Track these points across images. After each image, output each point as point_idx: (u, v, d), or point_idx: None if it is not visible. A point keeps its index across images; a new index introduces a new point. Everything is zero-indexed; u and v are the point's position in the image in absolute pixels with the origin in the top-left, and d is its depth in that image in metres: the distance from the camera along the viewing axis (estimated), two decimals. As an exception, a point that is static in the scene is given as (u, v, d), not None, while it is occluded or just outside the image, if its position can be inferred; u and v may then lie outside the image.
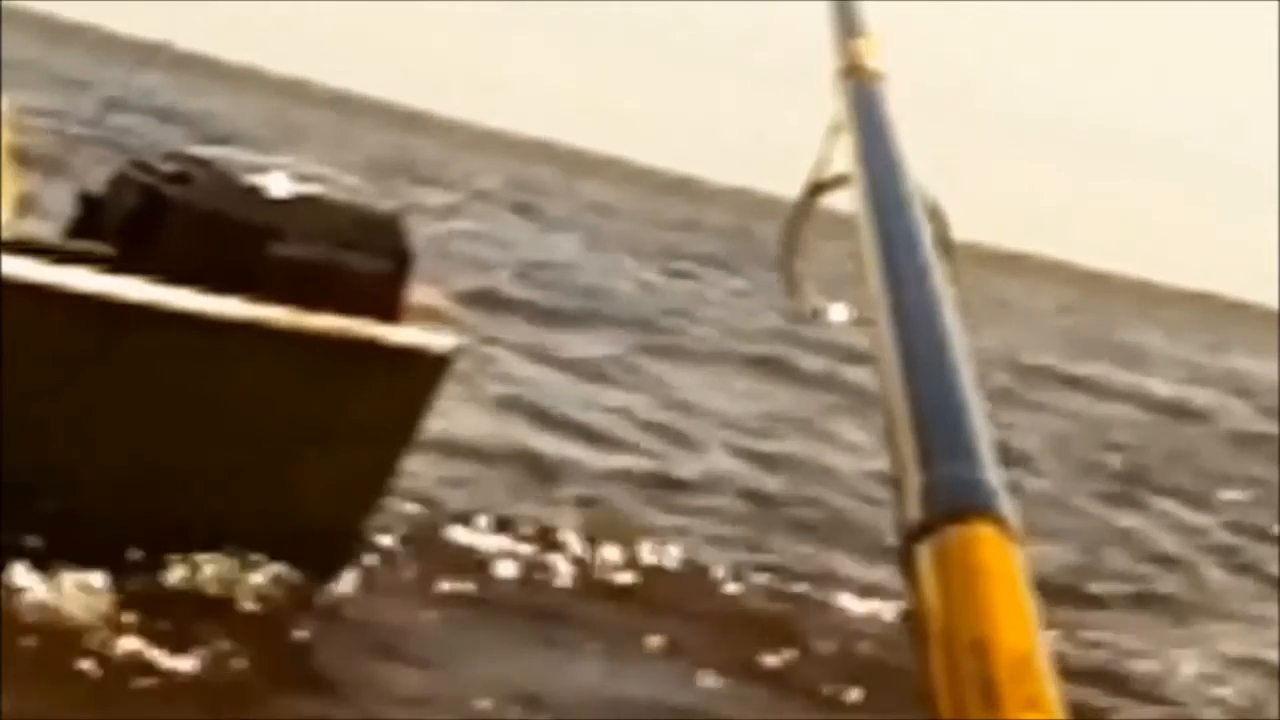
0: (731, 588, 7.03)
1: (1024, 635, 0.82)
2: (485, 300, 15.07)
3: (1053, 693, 0.80)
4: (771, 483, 9.90)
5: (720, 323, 18.83)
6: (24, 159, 6.27)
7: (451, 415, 8.79)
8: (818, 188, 1.56)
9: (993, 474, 0.92)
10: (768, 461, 10.51)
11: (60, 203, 6.18)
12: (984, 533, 0.87)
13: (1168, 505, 12.40)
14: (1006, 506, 0.90)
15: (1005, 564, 0.86)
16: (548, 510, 7.55)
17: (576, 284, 19.79)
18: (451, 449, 8.25)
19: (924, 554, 0.87)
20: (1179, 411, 20.64)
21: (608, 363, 13.69)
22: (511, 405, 10.39)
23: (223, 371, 5.41)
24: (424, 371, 5.73)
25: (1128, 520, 11.39)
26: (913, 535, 0.89)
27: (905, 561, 0.88)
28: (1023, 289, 56.02)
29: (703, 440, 10.82)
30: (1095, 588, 8.86)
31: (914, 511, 0.90)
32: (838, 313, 1.52)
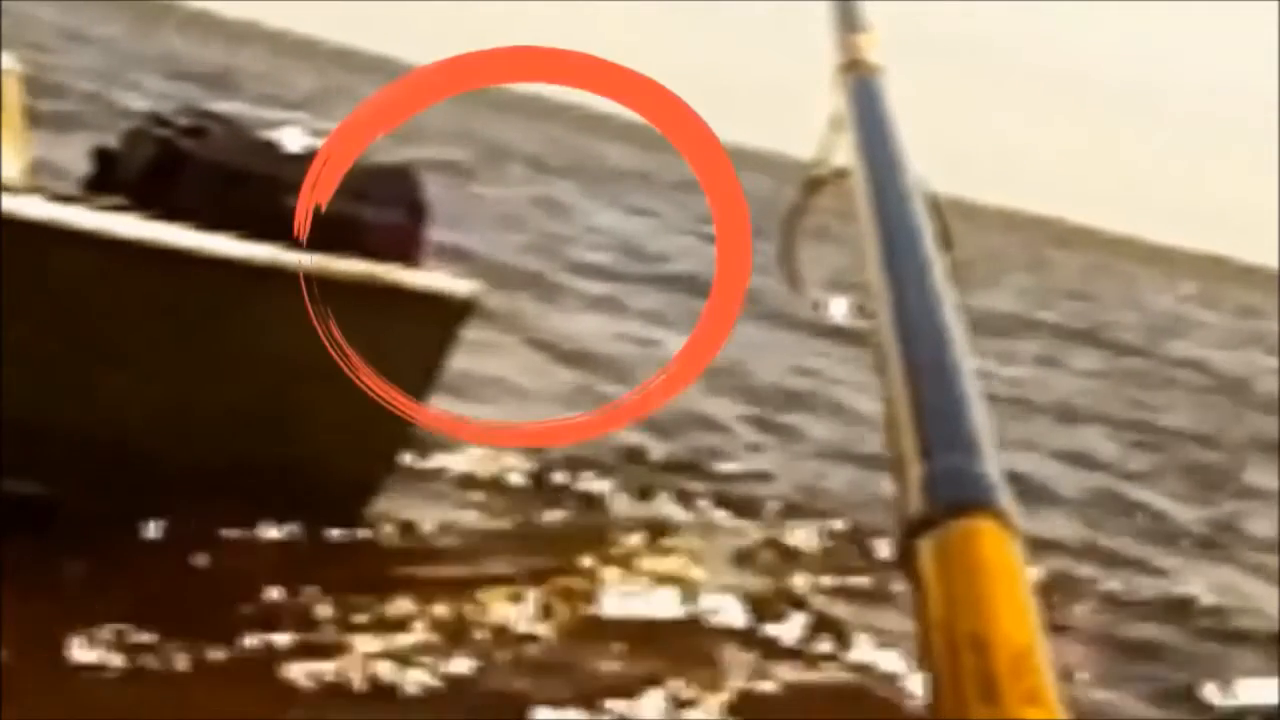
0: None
1: (1024, 630, 0.81)
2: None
3: (1053, 687, 0.78)
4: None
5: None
6: (34, 118, 6.22)
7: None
8: (816, 182, 1.56)
9: (994, 466, 0.91)
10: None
11: (71, 161, 6.16)
12: (985, 526, 0.86)
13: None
14: (1007, 499, 0.89)
15: (1006, 558, 0.85)
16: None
17: (624, 247, 19.92)
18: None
19: (924, 548, 0.87)
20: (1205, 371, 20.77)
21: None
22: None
23: (244, 316, 5.38)
24: (447, 316, 5.71)
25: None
26: (913, 529, 0.88)
27: (905, 556, 0.87)
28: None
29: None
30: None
31: (914, 505, 0.89)
32: (838, 306, 1.52)
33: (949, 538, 0.86)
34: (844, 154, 1.41)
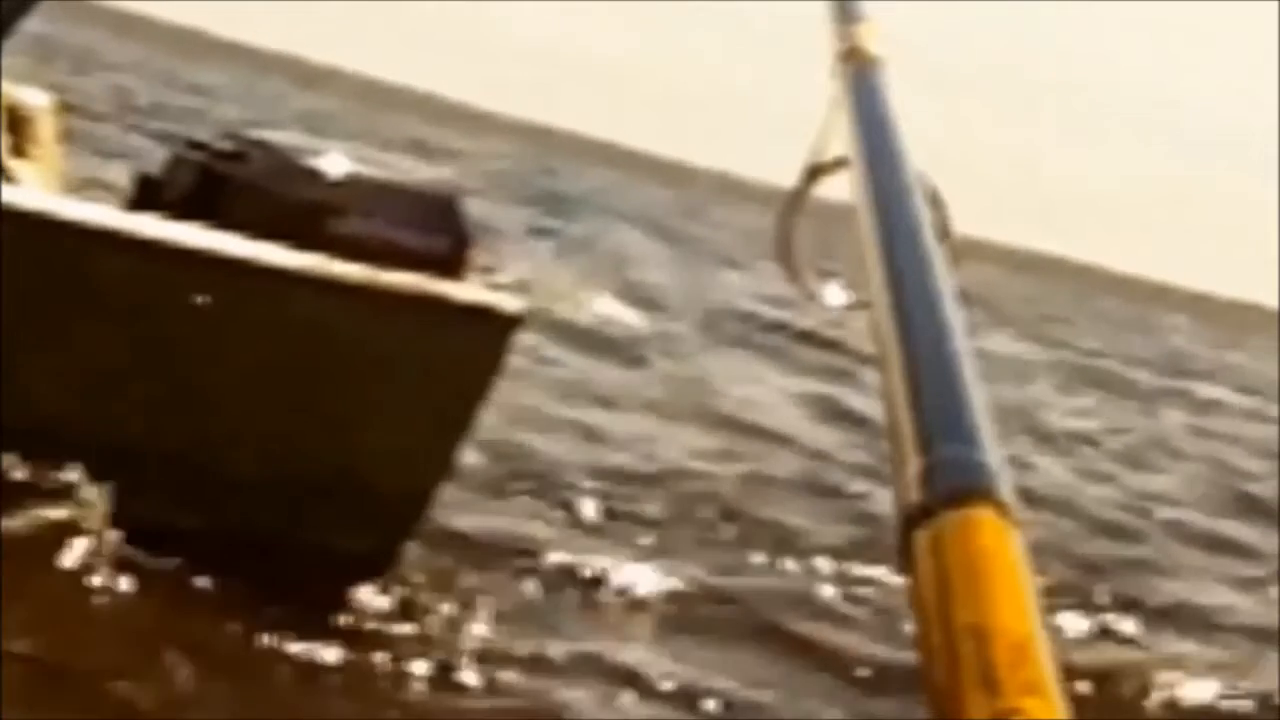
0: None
1: (1023, 620, 0.81)
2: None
3: (1053, 678, 0.78)
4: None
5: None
6: (71, 143, 6.29)
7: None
8: (816, 171, 1.54)
9: (993, 456, 0.90)
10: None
11: (115, 184, 6.24)
12: (984, 516, 0.86)
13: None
14: (1007, 489, 0.88)
15: (1005, 548, 0.84)
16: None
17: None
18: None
19: (922, 538, 0.86)
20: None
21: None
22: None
23: (293, 326, 5.42)
24: (494, 331, 5.69)
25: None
26: (911, 519, 0.87)
27: (904, 546, 0.87)
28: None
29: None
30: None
31: (913, 495, 0.89)
32: (836, 296, 1.51)
33: (947, 527, 0.85)
34: (843, 143, 1.38)
